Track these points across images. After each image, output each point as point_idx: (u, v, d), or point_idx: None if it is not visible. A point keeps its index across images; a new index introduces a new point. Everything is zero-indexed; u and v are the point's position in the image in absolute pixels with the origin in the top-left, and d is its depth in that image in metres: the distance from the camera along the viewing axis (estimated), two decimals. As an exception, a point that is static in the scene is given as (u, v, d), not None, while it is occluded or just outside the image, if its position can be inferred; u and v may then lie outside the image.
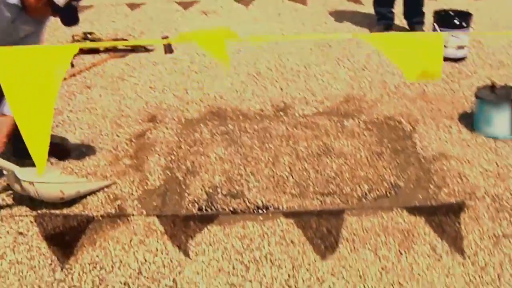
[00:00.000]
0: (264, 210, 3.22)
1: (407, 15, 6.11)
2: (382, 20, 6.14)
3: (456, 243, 2.94)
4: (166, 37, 5.77)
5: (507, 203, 3.22)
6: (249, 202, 3.29)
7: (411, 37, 2.41)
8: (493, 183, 3.40)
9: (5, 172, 3.04)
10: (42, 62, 2.08)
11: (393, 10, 6.14)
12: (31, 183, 3.06)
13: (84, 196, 3.31)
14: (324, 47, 5.62)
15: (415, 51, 2.31)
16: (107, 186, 3.44)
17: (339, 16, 6.69)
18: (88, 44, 1.95)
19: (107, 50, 5.60)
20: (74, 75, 5.06)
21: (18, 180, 3.07)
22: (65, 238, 3.06)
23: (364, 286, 2.69)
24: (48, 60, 2.08)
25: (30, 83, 2.06)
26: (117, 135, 4.03)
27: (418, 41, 2.37)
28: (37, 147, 2.16)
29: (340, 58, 5.37)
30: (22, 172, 3.06)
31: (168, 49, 5.55)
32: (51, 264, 2.88)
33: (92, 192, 3.36)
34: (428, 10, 5.81)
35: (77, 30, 5.78)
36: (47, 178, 3.14)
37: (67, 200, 3.25)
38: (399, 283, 2.70)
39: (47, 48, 2.19)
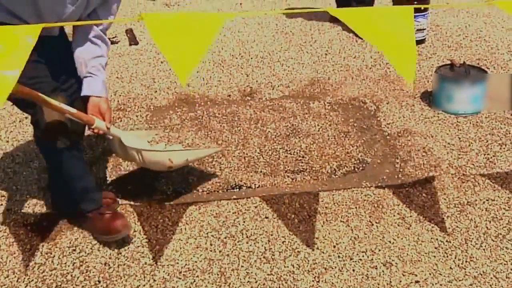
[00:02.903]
0: (237, 189, 3.30)
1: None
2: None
3: (424, 212, 3.06)
4: (130, 30, 5.80)
5: (470, 174, 3.36)
6: (222, 182, 3.36)
7: (381, 11, 2.47)
8: (457, 156, 3.54)
9: (109, 137, 2.95)
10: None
11: None
12: (139, 151, 2.95)
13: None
14: (287, 34, 5.71)
15: (386, 24, 2.36)
16: (215, 153, 3.47)
17: (298, 4, 6.79)
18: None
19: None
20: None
21: (123, 147, 2.94)
22: (43, 224, 3.09)
23: (338, 255, 2.78)
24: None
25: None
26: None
27: (388, 14, 2.43)
28: None
29: (303, 44, 5.47)
30: (128, 139, 2.95)
31: (133, 40, 5.58)
32: (30, 250, 2.92)
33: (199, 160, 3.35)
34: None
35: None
36: (154, 146, 3.09)
37: (174, 169, 3.17)
38: (372, 250, 2.80)
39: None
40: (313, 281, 2.64)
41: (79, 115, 2.66)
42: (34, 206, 3.23)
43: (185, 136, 3.47)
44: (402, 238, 2.87)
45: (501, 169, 3.40)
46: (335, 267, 2.72)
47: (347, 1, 5.74)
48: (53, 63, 2.70)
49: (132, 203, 3.22)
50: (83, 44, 2.76)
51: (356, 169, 3.47)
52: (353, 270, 2.69)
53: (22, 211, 3.20)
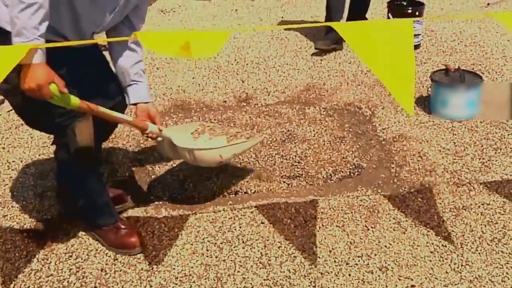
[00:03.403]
0: (233, 195, 3.31)
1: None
2: (331, 33, 5.31)
3: (419, 216, 3.07)
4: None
5: (466, 178, 3.37)
6: (218, 188, 3.37)
7: (379, 25, 2.44)
8: (452, 160, 3.55)
9: (159, 139, 2.98)
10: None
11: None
12: (190, 151, 2.97)
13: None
14: (282, 40, 5.72)
15: (384, 46, 2.33)
16: (259, 143, 3.53)
17: (293, 9, 6.81)
18: (58, 44, 2.01)
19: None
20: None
21: (174, 147, 2.97)
22: (39, 230, 3.10)
23: (334, 260, 2.79)
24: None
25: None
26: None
27: (387, 30, 2.40)
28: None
29: (298, 50, 5.48)
30: (178, 138, 2.98)
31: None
32: (26, 256, 2.92)
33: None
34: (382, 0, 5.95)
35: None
36: (205, 144, 3.13)
37: (224, 163, 3.26)
38: (367, 255, 2.81)
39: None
40: (309, 286, 2.65)
41: (135, 122, 2.76)
42: (31, 212, 3.23)
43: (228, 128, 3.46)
44: (397, 243, 2.88)
45: (496, 173, 3.41)
46: (331, 271, 2.72)
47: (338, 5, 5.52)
48: (90, 71, 2.71)
49: (128, 209, 3.22)
50: (122, 52, 2.79)
51: (352, 174, 3.48)
52: (349, 275, 2.70)
53: (18, 217, 3.20)
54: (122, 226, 2.95)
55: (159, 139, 2.98)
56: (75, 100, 2.42)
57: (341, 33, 2.21)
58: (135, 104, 2.85)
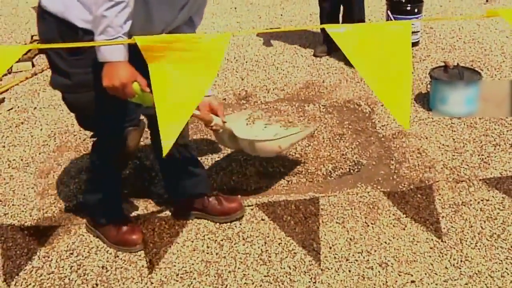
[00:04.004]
0: (233, 192, 3.32)
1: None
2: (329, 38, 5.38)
3: (419, 213, 3.08)
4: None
5: (465, 174, 3.38)
6: (218, 185, 3.38)
7: (376, 29, 2.39)
8: (451, 157, 3.56)
9: (219, 131, 2.99)
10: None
11: None
12: (251, 142, 3.02)
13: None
14: (281, 38, 5.73)
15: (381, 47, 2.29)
16: (314, 131, 3.63)
17: (292, 7, 6.81)
18: (66, 44, 1.98)
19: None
20: (36, 73, 5.09)
21: (234, 138, 3.00)
22: (40, 228, 3.11)
23: (334, 256, 2.80)
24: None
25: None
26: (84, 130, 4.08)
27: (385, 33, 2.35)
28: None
29: (297, 47, 5.49)
30: (239, 130, 3.02)
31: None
32: (27, 253, 2.93)
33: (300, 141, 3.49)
34: (380, -2, 5.96)
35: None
36: (264, 134, 3.18)
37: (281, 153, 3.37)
38: (367, 251, 2.82)
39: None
40: (309, 282, 2.66)
41: (203, 115, 2.79)
42: (31, 211, 3.24)
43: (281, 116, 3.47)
44: (397, 239, 2.89)
45: (495, 169, 3.42)
46: (331, 268, 2.73)
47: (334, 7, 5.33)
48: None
49: (129, 206, 3.23)
50: None
51: (352, 171, 3.49)
52: (349, 271, 2.71)
53: (19, 215, 3.21)
54: (124, 224, 2.96)
55: (220, 130, 2.99)
56: (152, 98, 2.41)
57: (336, 40, 2.17)
58: None
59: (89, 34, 2.28)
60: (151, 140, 3.12)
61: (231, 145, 3.13)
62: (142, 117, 2.78)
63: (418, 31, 5.33)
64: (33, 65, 5.28)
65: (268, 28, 6.01)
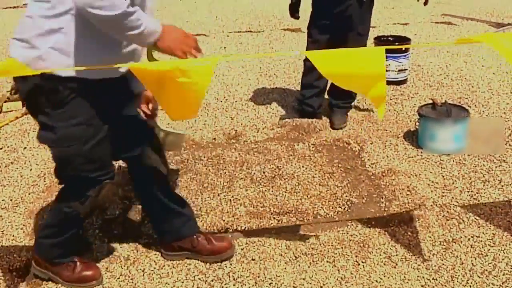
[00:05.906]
0: (223, 232, 3.30)
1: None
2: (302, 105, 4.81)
3: (410, 250, 3.07)
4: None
5: (455, 211, 3.38)
6: (208, 225, 3.37)
7: (352, 53, 2.53)
8: (441, 194, 3.57)
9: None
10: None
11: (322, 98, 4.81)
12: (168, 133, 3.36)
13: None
14: (270, 77, 5.78)
15: (357, 68, 2.43)
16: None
17: (281, 46, 6.88)
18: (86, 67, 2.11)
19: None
20: (26, 113, 5.09)
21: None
22: (28, 269, 3.07)
23: (325, 295, 2.79)
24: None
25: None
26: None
27: (360, 57, 2.50)
28: None
29: (286, 86, 5.53)
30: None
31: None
32: (15, 296, 2.91)
33: None
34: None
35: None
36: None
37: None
38: (359, 290, 2.81)
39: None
40: (300, 322, 2.64)
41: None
42: (20, 251, 3.21)
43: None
44: (388, 277, 2.88)
45: (485, 205, 3.43)
46: (323, 307, 2.72)
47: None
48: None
49: (119, 246, 3.21)
50: None
51: (342, 210, 3.49)
52: (341, 310, 2.69)
53: (8, 256, 3.18)
54: (78, 261, 2.93)
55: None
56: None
57: (314, 63, 2.33)
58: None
59: (72, 82, 2.37)
60: (133, 184, 3.10)
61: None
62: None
63: (406, 69, 5.38)
64: (23, 105, 5.27)
65: (258, 71, 6.05)
